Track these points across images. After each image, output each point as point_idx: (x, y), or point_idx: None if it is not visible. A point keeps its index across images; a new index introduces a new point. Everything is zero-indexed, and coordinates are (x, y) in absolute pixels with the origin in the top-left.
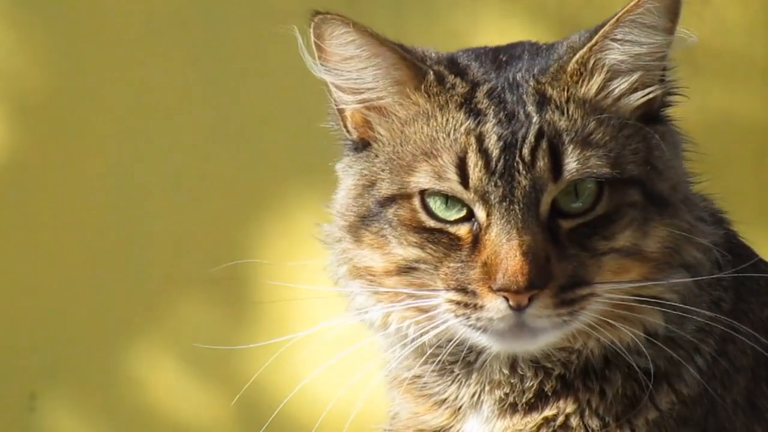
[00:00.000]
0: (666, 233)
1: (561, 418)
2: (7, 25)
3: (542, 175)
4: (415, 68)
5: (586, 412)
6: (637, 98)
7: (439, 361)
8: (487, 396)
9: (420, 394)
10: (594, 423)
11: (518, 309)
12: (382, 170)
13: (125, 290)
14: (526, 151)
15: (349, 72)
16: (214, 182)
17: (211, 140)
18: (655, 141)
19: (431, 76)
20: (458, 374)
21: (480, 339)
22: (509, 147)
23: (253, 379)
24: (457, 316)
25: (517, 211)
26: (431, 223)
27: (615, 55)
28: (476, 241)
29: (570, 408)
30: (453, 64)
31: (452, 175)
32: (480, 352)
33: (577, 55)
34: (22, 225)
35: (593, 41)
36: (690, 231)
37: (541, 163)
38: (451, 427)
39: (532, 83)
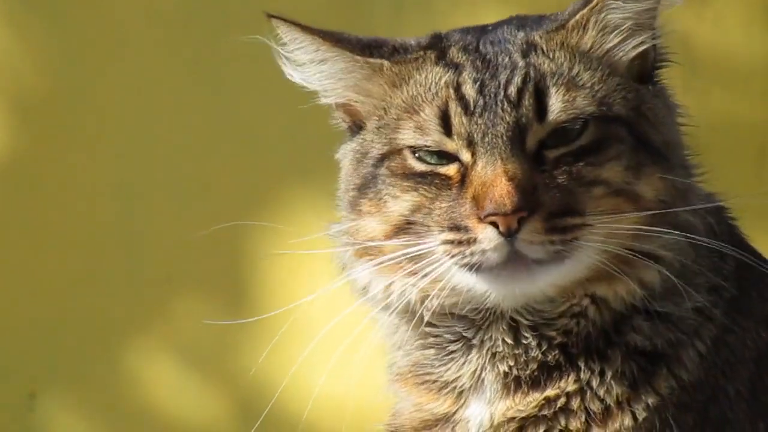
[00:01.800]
0: (661, 184)
1: (562, 399)
2: (7, 25)
3: (527, 114)
4: (370, 65)
5: (588, 394)
6: (628, 50)
7: (438, 341)
8: (488, 373)
9: (421, 382)
10: (595, 406)
11: (509, 234)
12: (373, 139)
13: (125, 290)
14: (512, 91)
15: (313, 74)
16: (214, 182)
17: (210, 140)
18: (648, 96)
19: (386, 65)
20: (457, 353)
21: (477, 284)
22: (490, 89)
23: (253, 371)
24: (453, 257)
25: (501, 143)
26: (422, 167)
27: (615, 14)
28: (464, 179)
29: (571, 387)
30: (434, 38)
31: (434, 126)
32: (479, 328)
33: (578, 15)
34: (21, 225)
35: (594, 2)
36: (685, 193)
37: (527, 102)
38: (455, 413)
39: (520, 36)
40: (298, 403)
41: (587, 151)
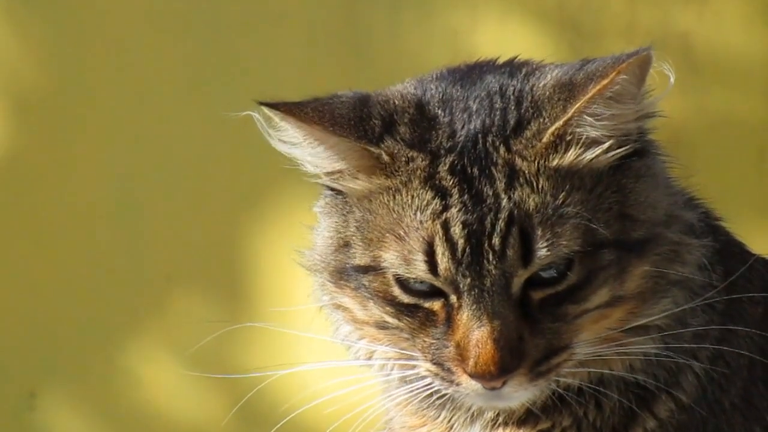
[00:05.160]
0: (646, 269)
1: (557, 429)
2: (6, 24)
3: (513, 262)
4: (366, 152)
5: (583, 424)
6: (611, 157)
7: (421, 395)
8: (477, 417)
9: (414, 411)
10: None
11: (492, 389)
12: (354, 234)
13: (125, 290)
14: (496, 240)
15: (302, 155)
16: (214, 182)
17: (210, 140)
18: (630, 185)
19: (384, 157)
20: (444, 403)
21: (457, 395)
22: (476, 234)
23: (250, 394)
24: (435, 380)
25: (487, 298)
26: (405, 298)
27: (591, 129)
28: (449, 318)
29: (566, 422)
30: (420, 115)
31: (420, 263)
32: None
33: (553, 127)
34: (21, 224)
35: (569, 116)
36: (676, 250)
37: (511, 252)
38: None
39: (501, 151)
40: (304, 410)
41: (573, 288)
